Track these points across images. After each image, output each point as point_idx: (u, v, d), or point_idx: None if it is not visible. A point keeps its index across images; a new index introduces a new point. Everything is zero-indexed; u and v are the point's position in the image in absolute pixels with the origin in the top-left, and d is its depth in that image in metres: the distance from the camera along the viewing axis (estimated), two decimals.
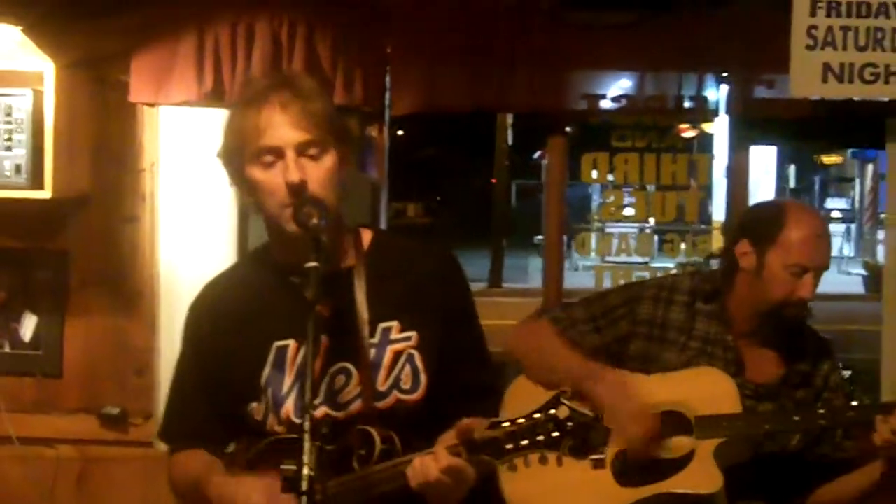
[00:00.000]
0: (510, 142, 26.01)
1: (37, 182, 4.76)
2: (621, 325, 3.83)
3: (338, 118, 2.84)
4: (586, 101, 5.14)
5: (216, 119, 4.47)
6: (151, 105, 4.99)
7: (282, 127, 2.72)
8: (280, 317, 2.83)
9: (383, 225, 5.30)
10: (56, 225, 5.10)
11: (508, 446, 2.53)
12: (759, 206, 4.07)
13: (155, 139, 5.10)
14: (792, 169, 31.98)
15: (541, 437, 2.51)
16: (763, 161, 31.31)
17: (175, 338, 3.12)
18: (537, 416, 2.52)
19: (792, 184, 31.98)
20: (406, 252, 2.99)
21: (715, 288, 3.83)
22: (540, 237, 16.62)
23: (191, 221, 5.13)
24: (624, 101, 5.13)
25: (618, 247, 5.78)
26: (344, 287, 2.81)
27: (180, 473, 3.01)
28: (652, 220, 6.03)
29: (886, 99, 4.92)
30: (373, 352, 2.80)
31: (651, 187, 5.83)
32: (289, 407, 2.80)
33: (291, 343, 2.81)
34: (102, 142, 5.07)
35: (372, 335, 2.80)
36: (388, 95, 5.04)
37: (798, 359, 3.79)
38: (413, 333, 2.83)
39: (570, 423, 2.50)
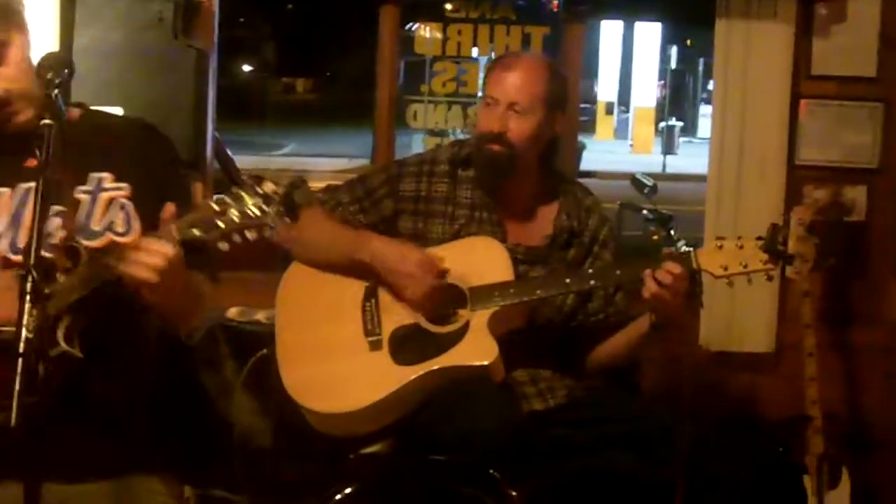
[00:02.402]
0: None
1: None
2: (385, 203, 3.82)
3: (6, 7, 2.92)
4: None
5: None
6: None
7: None
8: None
9: (212, 93, 5.18)
10: None
11: (219, 223, 2.60)
12: None
13: None
14: (674, 50, 32.08)
15: (251, 212, 2.58)
16: (647, 40, 31.55)
17: None
18: (244, 194, 2.59)
19: (673, 65, 32.11)
20: (116, 120, 3.23)
21: (470, 154, 3.82)
22: None
23: None
24: None
25: (450, 119, 5.69)
26: (51, 140, 2.89)
27: None
28: None
29: None
30: (87, 197, 2.95)
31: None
32: (3, 247, 2.91)
33: (6, 190, 2.96)
34: None
35: (83, 183, 2.96)
36: None
37: (564, 217, 3.81)
38: (125, 184, 2.96)
39: (275, 194, 2.58)
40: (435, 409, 3.51)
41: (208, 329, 4.51)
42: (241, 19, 32.72)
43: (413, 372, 3.57)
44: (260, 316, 4.58)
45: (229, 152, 5.74)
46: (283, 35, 38.96)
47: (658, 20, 30.09)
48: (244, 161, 5.70)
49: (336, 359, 3.67)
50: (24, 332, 2.37)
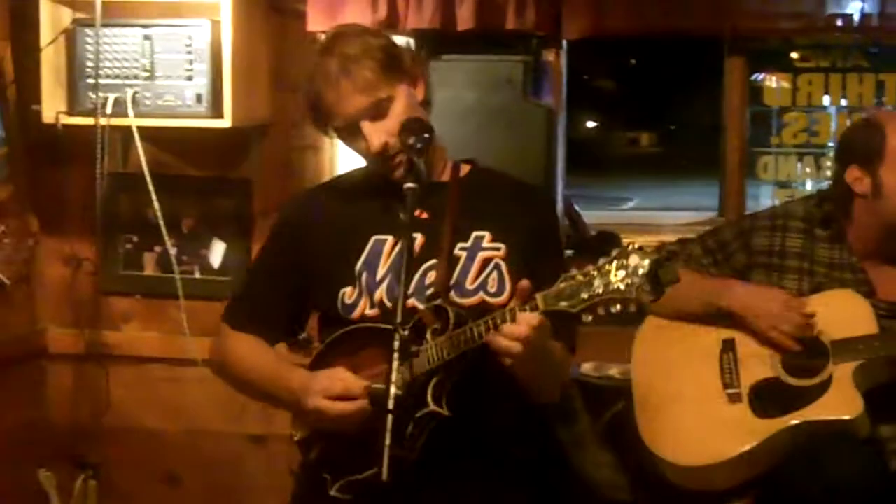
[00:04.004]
0: None
1: (216, 111, 4.81)
2: (738, 257, 3.80)
3: (390, 62, 3.05)
4: (762, 21, 4.99)
5: None
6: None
7: (348, 98, 3.00)
8: (382, 216, 3.13)
9: (561, 150, 5.24)
10: (237, 153, 5.20)
11: (584, 295, 2.59)
12: (852, 128, 3.93)
13: None
14: None
15: (616, 286, 2.54)
16: None
17: None
18: (607, 266, 2.57)
19: None
20: (501, 180, 3.29)
21: (830, 213, 3.73)
22: None
23: None
24: (803, 19, 4.97)
25: (802, 171, 5.54)
26: (440, 196, 3.10)
27: (243, 352, 3.32)
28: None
29: None
30: (464, 254, 3.04)
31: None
32: (381, 292, 3.05)
33: (389, 238, 3.08)
34: (281, 71, 5.12)
35: (465, 240, 3.05)
36: None
37: None
38: (502, 245, 3.05)
39: (640, 269, 2.52)
40: (798, 464, 3.45)
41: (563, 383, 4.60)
42: (585, 76, 32.97)
43: (776, 426, 3.52)
44: (613, 371, 4.60)
45: (578, 209, 5.80)
46: (627, 90, 39.04)
47: None
48: (590, 216, 5.72)
49: (694, 411, 3.66)
50: (392, 390, 2.46)
